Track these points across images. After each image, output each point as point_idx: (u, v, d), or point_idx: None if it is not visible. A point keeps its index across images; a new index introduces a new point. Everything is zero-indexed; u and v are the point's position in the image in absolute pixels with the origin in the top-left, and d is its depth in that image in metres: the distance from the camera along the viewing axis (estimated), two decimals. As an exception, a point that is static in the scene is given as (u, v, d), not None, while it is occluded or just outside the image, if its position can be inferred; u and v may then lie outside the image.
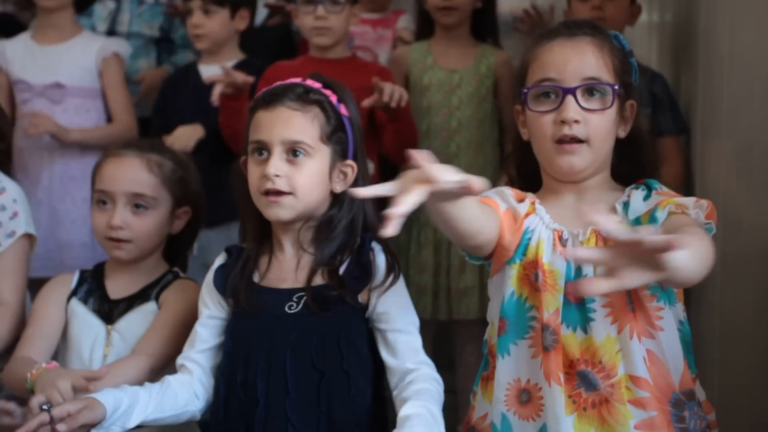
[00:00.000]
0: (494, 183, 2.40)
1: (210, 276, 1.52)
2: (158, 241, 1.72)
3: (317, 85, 1.49)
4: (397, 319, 1.44)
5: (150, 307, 1.66)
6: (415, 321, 1.46)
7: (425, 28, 2.56)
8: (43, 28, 2.53)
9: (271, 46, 2.84)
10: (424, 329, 1.52)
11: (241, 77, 2.12)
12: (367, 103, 2.05)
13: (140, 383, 1.47)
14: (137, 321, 1.65)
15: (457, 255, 2.37)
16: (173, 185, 1.70)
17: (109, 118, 2.55)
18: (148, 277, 1.71)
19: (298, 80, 1.50)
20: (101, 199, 1.68)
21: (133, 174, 1.67)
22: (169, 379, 1.47)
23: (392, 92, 2.06)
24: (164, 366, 1.58)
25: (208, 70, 2.49)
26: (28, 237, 1.76)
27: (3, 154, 1.86)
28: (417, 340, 1.45)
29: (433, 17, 2.48)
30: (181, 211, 1.73)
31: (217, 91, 2.11)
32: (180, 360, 1.51)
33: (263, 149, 1.44)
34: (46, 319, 1.68)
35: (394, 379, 1.42)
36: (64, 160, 2.44)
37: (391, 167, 2.16)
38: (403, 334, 1.44)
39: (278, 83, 1.50)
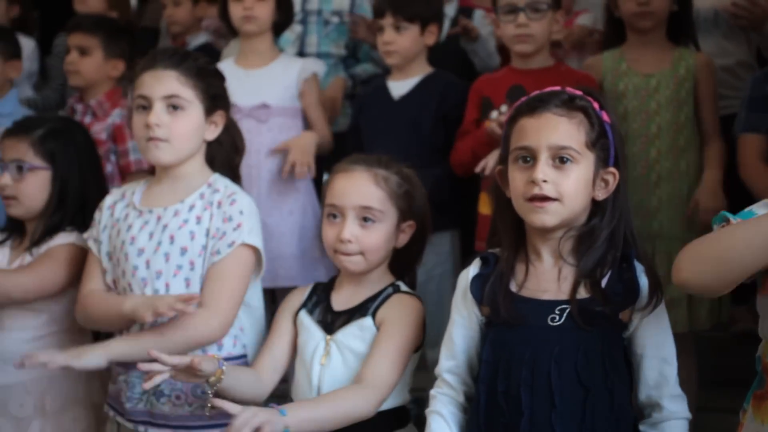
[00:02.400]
0: (693, 191, 2.36)
1: (464, 283, 1.53)
2: (385, 255, 1.75)
3: (579, 92, 1.49)
4: (655, 346, 1.44)
5: (366, 322, 1.68)
6: (672, 350, 1.45)
7: (615, 35, 2.51)
8: (245, 53, 2.64)
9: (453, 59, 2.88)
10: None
11: None
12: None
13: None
14: (352, 334, 1.68)
15: (660, 266, 2.31)
16: (399, 199, 1.73)
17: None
18: (371, 289, 1.74)
19: (558, 88, 1.50)
20: (332, 213, 1.73)
21: (362, 188, 1.71)
22: (444, 414, 1.51)
23: None
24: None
25: (398, 87, 2.57)
26: (249, 248, 1.79)
27: (237, 168, 1.96)
28: (671, 370, 1.43)
29: (628, 23, 2.43)
30: (406, 225, 1.75)
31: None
32: (440, 372, 1.54)
33: (529, 156, 1.44)
34: (275, 334, 1.75)
35: (638, 403, 1.43)
36: (270, 177, 2.53)
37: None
38: (657, 362, 1.43)
39: (541, 91, 1.50)
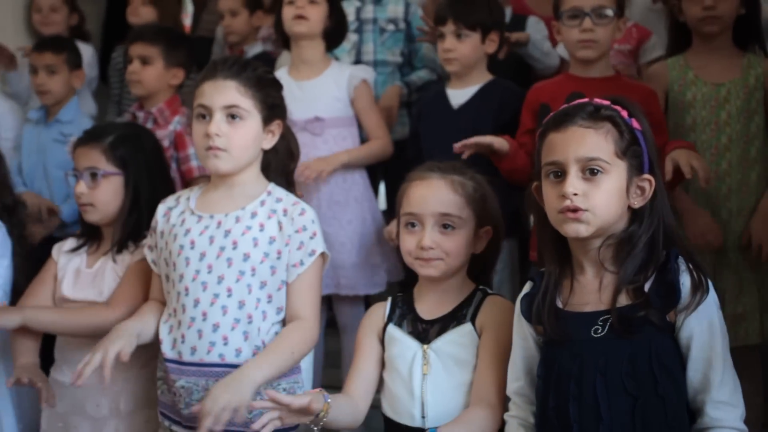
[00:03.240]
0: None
1: (519, 305, 1.55)
2: (465, 260, 1.75)
3: (605, 101, 1.48)
4: (699, 347, 1.40)
5: (466, 328, 1.68)
6: (720, 353, 1.40)
7: (680, 41, 2.46)
8: (296, 64, 2.63)
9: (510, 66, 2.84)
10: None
11: None
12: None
13: None
14: (452, 341, 1.68)
15: (732, 278, 2.25)
16: (476, 204, 1.74)
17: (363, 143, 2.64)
18: (457, 296, 1.74)
19: (585, 100, 1.49)
20: (410, 221, 1.73)
21: (440, 195, 1.71)
22: None
23: None
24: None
25: (457, 96, 2.54)
26: (323, 256, 1.84)
27: (291, 174, 1.96)
28: (716, 374, 1.39)
29: (693, 28, 2.37)
30: (483, 230, 1.76)
31: None
32: (510, 393, 1.55)
33: (559, 170, 1.44)
34: (363, 357, 1.75)
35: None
36: (328, 187, 2.53)
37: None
38: (701, 364, 1.39)
39: (567, 105, 1.50)
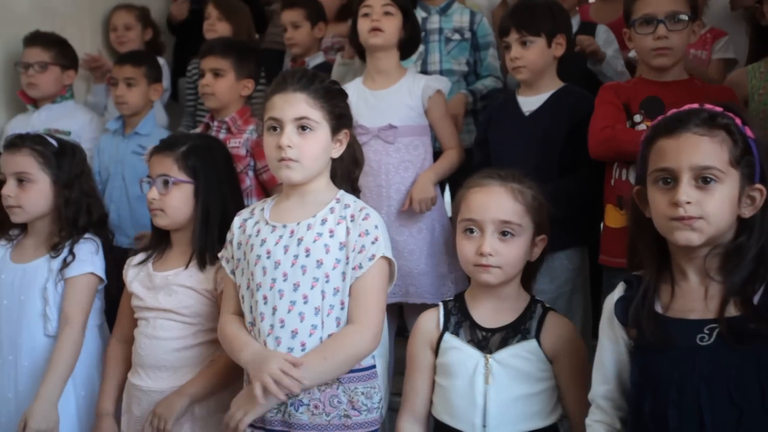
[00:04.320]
0: None
1: (610, 307, 1.53)
2: (521, 268, 1.76)
3: (718, 108, 1.44)
4: None
5: (530, 345, 1.70)
6: None
7: (760, 47, 2.40)
8: (371, 74, 2.65)
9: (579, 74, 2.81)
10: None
11: None
12: None
13: None
14: (517, 355, 1.69)
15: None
16: (535, 213, 1.74)
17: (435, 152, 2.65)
18: (513, 305, 1.75)
19: (695, 106, 1.46)
20: (469, 227, 1.74)
21: (500, 202, 1.72)
22: None
23: None
24: None
25: (528, 102, 2.53)
26: (386, 260, 1.83)
27: (356, 181, 2.00)
28: None
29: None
30: (539, 238, 1.76)
31: None
32: (594, 397, 1.54)
33: (670, 177, 1.41)
34: (419, 372, 1.79)
35: None
36: (399, 196, 2.54)
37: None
38: None
39: (679, 110, 1.47)
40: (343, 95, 1.93)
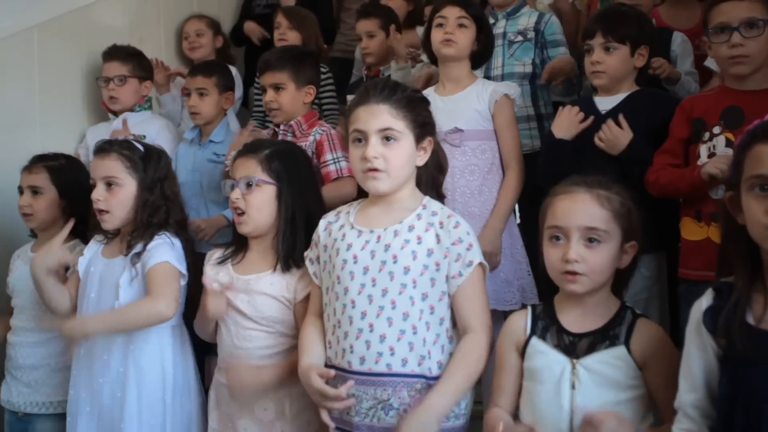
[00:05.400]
0: None
1: (698, 315, 1.51)
2: (609, 275, 1.74)
3: None
4: None
5: (619, 351, 1.68)
6: None
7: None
8: (442, 81, 2.68)
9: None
10: None
11: None
12: None
13: None
14: (605, 362, 1.69)
15: None
16: (622, 219, 1.73)
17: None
18: (602, 311, 1.75)
19: None
20: (554, 234, 1.74)
21: (586, 209, 1.72)
22: None
23: None
24: None
25: (605, 101, 2.53)
26: (482, 266, 1.86)
27: (440, 187, 2.01)
28: None
29: None
30: (629, 245, 1.75)
31: None
32: (681, 405, 1.52)
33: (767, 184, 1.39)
34: (507, 372, 1.79)
35: None
36: (463, 198, 2.54)
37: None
38: None
39: None
40: (426, 103, 1.96)
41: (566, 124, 2.49)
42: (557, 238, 1.73)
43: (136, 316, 2.16)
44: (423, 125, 1.90)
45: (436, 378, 1.82)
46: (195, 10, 4.09)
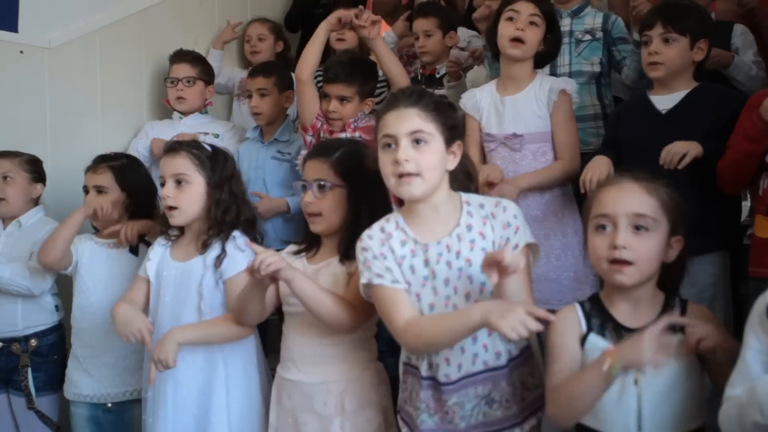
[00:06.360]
0: None
1: (761, 308, 1.48)
2: (656, 268, 1.72)
3: None
4: None
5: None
6: None
7: None
8: (503, 80, 2.64)
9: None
10: None
11: None
12: None
13: None
14: None
15: None
16: (670, 211, 1.71)
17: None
18: (652, 304, 1.72)
19: None
20: (601, 223, 1.71)
21: (634, 196, 1.70)
22: None
23: None
24: None
25: (663, 101, 2.48)
26: (530, 247, 1.85)
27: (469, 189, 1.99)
28: None
29: None
30: (675, 239, 1.72)
31: None
32: (730, 396, 1.49)
33: None
34: (566, 355, 1.72)
35: None
36: (526, 200, 2.51)
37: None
38: None
39: None
40: (453, 108, 1.95)
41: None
42: (603, 228, 1.70)
43: (226, 333, 2.26)
44: (452, 128, 1.89)
45: (516, 358, 1.87)
46: (248, 12, 4.16)
